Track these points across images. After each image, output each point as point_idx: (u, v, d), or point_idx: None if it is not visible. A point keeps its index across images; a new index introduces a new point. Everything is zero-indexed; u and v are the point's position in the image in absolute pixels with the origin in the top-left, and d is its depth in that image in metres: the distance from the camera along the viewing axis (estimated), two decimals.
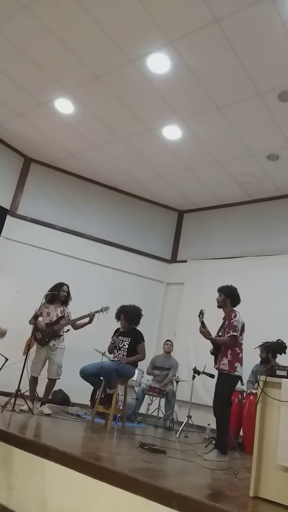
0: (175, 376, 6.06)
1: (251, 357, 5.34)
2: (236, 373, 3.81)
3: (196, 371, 5.04)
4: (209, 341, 4.01)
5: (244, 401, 5.03)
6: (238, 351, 3.87)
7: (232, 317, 3.92)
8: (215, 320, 4.15)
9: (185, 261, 7.62)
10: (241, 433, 5.00)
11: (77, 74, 4.95)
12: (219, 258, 7.07)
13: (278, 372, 2.47)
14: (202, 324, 3.94)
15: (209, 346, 4.07)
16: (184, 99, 5.07)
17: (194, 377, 5.14)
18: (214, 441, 3.81)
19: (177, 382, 5.94)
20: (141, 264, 7.55)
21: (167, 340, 6.52)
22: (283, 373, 2.45)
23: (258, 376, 2.59)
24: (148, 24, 4.10)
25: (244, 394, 5.08)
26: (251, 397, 4.85)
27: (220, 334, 4.00)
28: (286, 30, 3.89)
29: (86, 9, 4.08)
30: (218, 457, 3.55)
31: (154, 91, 4.99)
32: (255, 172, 6.30)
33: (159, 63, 4.57)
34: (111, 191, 7.68)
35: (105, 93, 5.19)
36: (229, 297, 4.07)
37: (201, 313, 3.98)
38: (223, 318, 4.08)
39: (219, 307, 4.09)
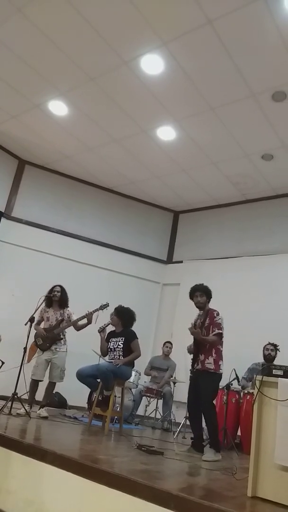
0: (172, 377, 6.05)
1: (249, 356, 5.37)
2: (220, 371, 3.85)
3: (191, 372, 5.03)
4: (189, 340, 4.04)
5: (241, 401, 5.04)
6: (221, 348, 3.91)
7: (215, 315, 3.95)
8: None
9: (181, 262, 7.63)
10: (238, 433, 5.00)
11: (71, 76, 4.95)
12: (215, 258, 7.09)
13: (275, 372, 2.47)
14: (194, 325, 3.94)
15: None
16: (178, 100, 5.08)
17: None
18: (207, 443, 3.82)
19: (174, 383, 5.94)
20: (137, 265, 7.55)
21: (167, 342, 6.48)
22: (280, 372, 2.45)
23: (255, 375, 2.60)
24: (141, 26, 4.11)
25: (241, 393, 5.09)
26: (248, 396, 4.85)
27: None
28: (279, 30, 3.91)
29: (79, 11, 4.08)
30: (215, 456, 3.58)
31: (148, 92, 5.00)
32: (250, 172, 6.32)
33: (152, 64, 4.59)
34: (106, 192, 7.68)
35: (99, 95, 5.20)
36: (208, 297, 4.10)
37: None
38: (199, 318, 4.05)
39: (202, 308, 4.08)
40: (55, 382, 4.81)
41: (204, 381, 3.81)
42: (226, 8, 3.78)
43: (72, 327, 4.98)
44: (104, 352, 4.86)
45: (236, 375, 4.79)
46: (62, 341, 4.91)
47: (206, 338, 3.86)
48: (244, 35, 4.03)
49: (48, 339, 4.85)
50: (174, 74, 4.66)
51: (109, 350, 4.83)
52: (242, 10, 3.76)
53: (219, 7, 3.78)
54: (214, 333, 3.86)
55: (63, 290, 5.08)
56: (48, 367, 4.83)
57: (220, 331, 3.87)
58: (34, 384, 4.76)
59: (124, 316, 4.87)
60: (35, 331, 4.90)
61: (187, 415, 5.17)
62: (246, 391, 5.01)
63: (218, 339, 3.86)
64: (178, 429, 5.06)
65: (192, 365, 3.95)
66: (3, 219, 6.66)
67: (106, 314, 5.03)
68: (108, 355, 4.85)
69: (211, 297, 4.12)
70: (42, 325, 4.98)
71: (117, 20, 4.11)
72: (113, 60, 4.61)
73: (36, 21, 4.27)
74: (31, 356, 4.97)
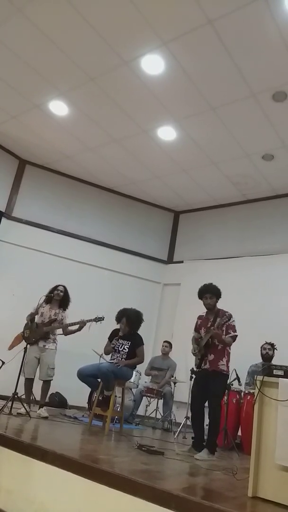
0: (172, 377, 6.05)
1: (249, 356, 5.36)
2: (229, 372, 3.90)
3: (194, 372, 5.03)
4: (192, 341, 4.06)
5: (242, 401, 5.04)
6: (229, 350, 3.92)
7: (229, 317, 3.94)
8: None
9: (182, 262, 7.63)
10: (239, 433, 5.00)
11: (71, 76, 4.95)
12: (215, 258, 7.09)
13: (275, 372, 2.47)
14: (216, 326, 3.90)
15: None
16: (178, 100, 5.08)
17: (191, 377, 5.12)
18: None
19: (174, 383, 5.93)
20: (137, 265, 7.55)
21: (165, 341, 6.51)
22: (280, 372, 2.45)
23: (255, 376, 2.60)
24: (141, 26, 4.11)
25: (242, 394, 5.09)
26: (249, 397, 4.85)
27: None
28: (279, 30, 3.91)
29: (80, 11, 4.08)
30: (208, 456, 3.58)
31: (148, 92, 5.00)
32: (250, 172, 6.32)
33: (153, 64, 4.59)
34: (106, 192, 7.68)
35: (100, 95, 5.19)
36: (218, 298, 4.07)
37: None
38: (207, 318, 4.03)
39: (211, 309, 4.04)
40: (46, 380, 4.77)
41: (217, 383, 3.81)
42: (227, 8, 3.78)
43: (61, 330, 4.93)
44: (107, 352, 4.86)
45: (237, 375, 4.79)
46: (50, 339, 4.86)
47: (225, 339, 3.83)
48: (245, 35, 4.03)
49: (35, 334, 4.82)
50: (175, 74, 4.65)
51: (113, 350, 4.82)
52: (242, 10, 3.76)
53: (219, 7, 3.78)
54: (230, 335, 3.85)
55: (66, 291, 5.06)
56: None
57: (236, 334, 3.87)
58: (27, 382, 4.75)
59: (134, 323, 4.85)
60: (26, 322, 4.90)
61: (187, 415, 5.20)
62: (247, 391, 5.01)
63: (232, 341, 3.87)
64: (179, 429, 5.05)
65: (199, 364, 3.93)
66: (3, 219, 6.66)
67: (105, 317, 4.98)
68: (111, 355, 4.84)
69: (220, 297, 4.08)
70: (35, 319, 4.95)
71: (117, 20, 4.11)
72: (113, 60, 4.61)
73: (36, 21, 4.27)
74: (14, 344, 4.94)
